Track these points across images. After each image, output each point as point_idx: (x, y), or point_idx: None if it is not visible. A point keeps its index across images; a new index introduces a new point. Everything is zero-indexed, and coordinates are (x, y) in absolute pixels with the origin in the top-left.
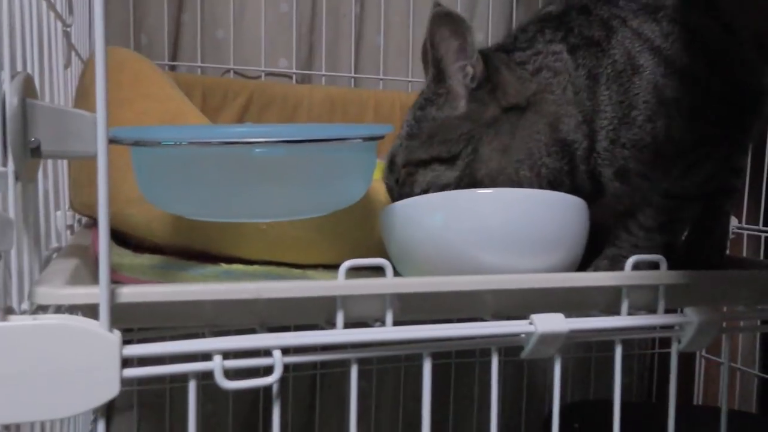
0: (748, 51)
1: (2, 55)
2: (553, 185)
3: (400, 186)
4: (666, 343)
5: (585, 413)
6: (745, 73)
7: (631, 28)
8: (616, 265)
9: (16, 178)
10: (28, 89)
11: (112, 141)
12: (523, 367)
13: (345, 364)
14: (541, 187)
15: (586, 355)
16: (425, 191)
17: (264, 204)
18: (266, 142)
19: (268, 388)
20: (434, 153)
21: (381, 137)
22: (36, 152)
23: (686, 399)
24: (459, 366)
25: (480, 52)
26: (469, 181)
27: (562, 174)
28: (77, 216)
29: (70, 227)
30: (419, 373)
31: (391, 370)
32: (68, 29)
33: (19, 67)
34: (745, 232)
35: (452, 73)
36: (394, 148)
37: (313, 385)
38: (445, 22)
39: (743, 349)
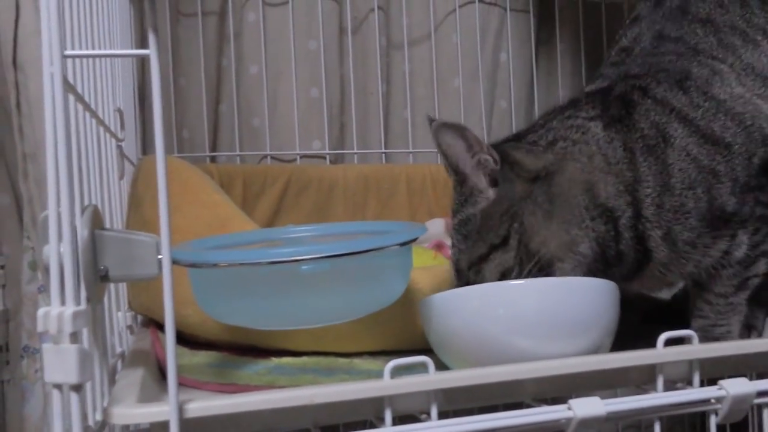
0: None
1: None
2: (601, 247)
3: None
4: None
5: None
6: None
7: (653, 98)
8: (708, 335)
9: (87, 301)
10: (96, 220)
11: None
12: None
13: None
14: (591, 247)
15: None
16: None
17: (312, 313)
18: (311, 258)
19: None
20: (488, 243)
21: (415, 240)
22: (105, 278)
23: None
24: None
25: (490, 145)
26: (525, 253)
27: (609, 238)
28: (134, 314)
29: (129, 327)
30: None
31: None
32: (121, 144)
33: (85, 194)
34: None
35: (470, 169)
36: (453, 257)
37: None
38: (444, 130)
39: None
